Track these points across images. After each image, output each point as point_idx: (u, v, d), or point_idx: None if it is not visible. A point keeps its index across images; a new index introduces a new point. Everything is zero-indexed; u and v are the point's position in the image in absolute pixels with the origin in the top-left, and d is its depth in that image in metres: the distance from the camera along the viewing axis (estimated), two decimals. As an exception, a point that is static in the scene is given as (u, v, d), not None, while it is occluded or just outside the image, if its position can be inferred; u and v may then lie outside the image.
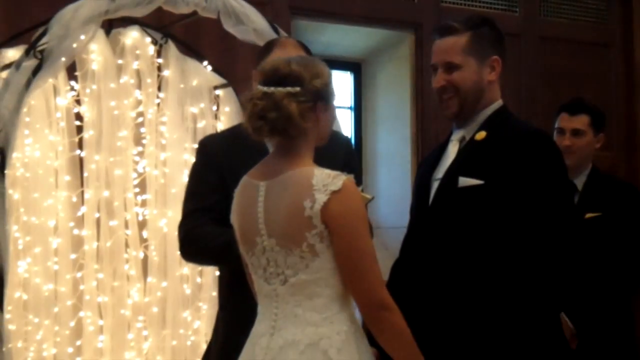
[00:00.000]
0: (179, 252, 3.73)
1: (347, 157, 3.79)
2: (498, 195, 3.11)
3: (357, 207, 2.84)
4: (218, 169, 3.63)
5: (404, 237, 3.60)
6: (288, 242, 2.85)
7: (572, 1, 8.09)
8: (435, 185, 3.35)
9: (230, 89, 5.22)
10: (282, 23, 5.89)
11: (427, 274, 3.25)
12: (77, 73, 4.87)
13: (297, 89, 2.86)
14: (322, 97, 2.92)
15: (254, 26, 5.00)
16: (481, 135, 3.28)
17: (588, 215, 4.57)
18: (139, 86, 5.03)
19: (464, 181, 3.18)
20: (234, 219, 3.07)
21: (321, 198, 2.79)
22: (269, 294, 2.94)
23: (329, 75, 2.97)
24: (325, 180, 2.81)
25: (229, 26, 4.95)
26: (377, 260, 2.85)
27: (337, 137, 3.92)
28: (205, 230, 3.56)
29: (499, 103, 3.40)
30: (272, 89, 2.87)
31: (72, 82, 4.87)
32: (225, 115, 5.17)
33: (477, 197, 3.14)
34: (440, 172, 3.34)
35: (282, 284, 2.89)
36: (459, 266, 3.15)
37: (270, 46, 3.78)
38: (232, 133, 3.85)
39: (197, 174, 3.73)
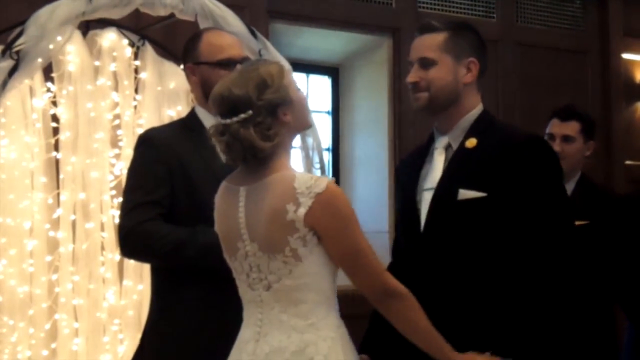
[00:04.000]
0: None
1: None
2: (502, 207, 3.07)
3: (344, 206, 2.83)
4: (165, 162, 3.58)
5: (394, 255, 3.57)
6: (270, 247, 2.83)
7: (549, 8, 8.13)
8: (425, 196, 3.27)
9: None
10: (260, 27, 5.89)
11: (432, 287, 3.17)
12: (53, 74, 4.85)
13: (249, 112, 2.83)
14: (279, 102, 2.88)
15: (231, 29, 4.98)
16: (472, 142, 3.22)
17: (576, 223, 4.59)
18: (116, 88, 5.02)
19: (465, 194, 3.11)
20: (215, 224, 3.06)
21: (306, 202, 2.77)
22: (253, 299, 2.93)
23: (278, 72, 2.91)
24: (308, 183, 2.79)
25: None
26: (373, 251, 2.86)
27: None
28: (154, 226, 3.50)
29: (480, 108, 3.35)
30: (227, 120, 2.85)
31: (49, 84, 4.84)
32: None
33: (479, 210, 3.09)
34: (430, 182, 3.27)
35: (266, 290, 2.88)
36: (465, 281, 3.11)
37: (196, 36, 3.81)
38: (177, 126, 3.83)
39: (143, 166, 3.64)
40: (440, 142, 3.32)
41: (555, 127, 4.75)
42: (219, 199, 3.05)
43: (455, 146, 3.27)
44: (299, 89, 2.99)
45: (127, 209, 3.58)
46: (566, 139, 4.71)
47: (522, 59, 7.88)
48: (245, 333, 2.95)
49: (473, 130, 3.27)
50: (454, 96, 3.29)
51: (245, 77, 2.88)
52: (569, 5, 8.27)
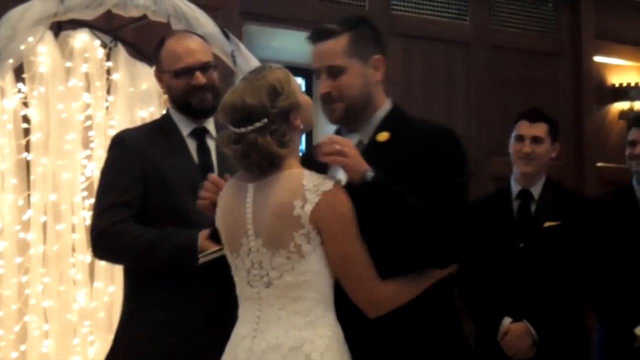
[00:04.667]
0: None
1: None
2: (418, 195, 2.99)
3: (345, 209, 2.87)
4: (138, 163, 3.59)
5: None
6: (274, 242, 2.87)
7: (521, 11, 8.17)
8: None
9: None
10: (233, 28, 5.89)
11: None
12: (24, 75, 4.82)
13: (265, 120, 2.87)
14: (291, 108, 2.93)
15: (204, 31, 4.99)
16: (384, 136, 3.14)
17: (547, 224, 4.64)
18: (88, 89, 4.99)
19: None
20: (218, 221, 3.09)
21: (313, 198, 2.83)
22: (252, 296, 2.95)
23: (285, 78, 2.96)
24: (316, 181, 2.85)
25: (182, 30, 4.93)
26: (368, 260, 2.89)
27: None
28: (126, 228, 3.51)
29: (389, 103, 3.26)
30: (242, 129, 2.88)
31: (20, 84, 4.81)
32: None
33: None
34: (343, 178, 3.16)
35: (266, 287, 2.91)
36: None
37: (161, 41, 3.79)
38: (151, 128, 3.84)
39: (116, 167, 3.65)
40: (352, 140, 3.17)
41: (524, 128, 4.81)
42: (224, 195, 3.08)
43: (366, 142, 3.20)
44: (302, 92, 3.03)
45: (100, 210, 3.60)
46: (535, 140, 4.77)
47: (494, 61, 7.91)
48: (241, 330, 2.97)
49: (384, 125, 3.19)
50: (367, 99, 3.19)
51: (256, 85, 2.92)
52: (542, 8, 8.30)
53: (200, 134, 3.75)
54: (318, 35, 3.20)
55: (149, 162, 3.59)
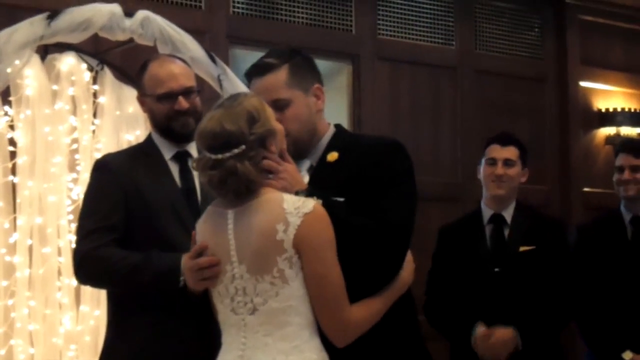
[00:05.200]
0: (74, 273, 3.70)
1: None
2: (358, 208, 3.02)
3: (325, 229, 2.87)
4: (120, 187, 3.60)
5: None
6: (258, 268, 2.86)
7: (507, 36, 8.20)
8: None
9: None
10: (220, 52, 5.91)
11: None
12: (11, 98, 4.82)
13: (242, 147, 2.88)
14: (267, 135, 2.93)
15: (190, 54, 5.01)
16: (333, 156, 3.18)
17: (522, 248, 4.66)
18: (74, 112, 5.00)
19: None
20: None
21: (295, 221, 2.82)
22: (236, 323, 2.94)
23: (260, 105, 2.96)
24: (296, 204, 2.85)
25: (165, 54, 4.94)
26: (342, 283, 2.88)
27: None
28: (109, 251, 3.51)
29: (332, 126, 3.31)
30: (219, 156, 2.88)
31: (6, 107, 4.82)
32: (161, 143, 5.15)
33: None
34: None
35: (251, 314, 2.90)
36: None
37: (144, 65, 3.81)
38: (134, 152, 3.85)
39: (98, 191, 3.66)
40: (302, 166, 3.23)
41: (496, 151, 4.87)
42: (203, 223, 3.08)
43: (315, 164, 3.23)
44: (275, 121, 3.03)
45: (82, 235, 3.61)
46: (507, 162, 4.84)
47: (480, 86, 7.93)
48: (227, 357, 2.95)
49: (332, 146, 3.22)
50: (313, 129, 3.23)
51: (233, 112, 2.92)
52: (528, 33, 8.34)
53: (182, 158, 3.76)
54: (258, 71, 3.22)
55: (131, 187, 3.61)
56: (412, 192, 3.14)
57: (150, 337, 3.52)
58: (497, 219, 4.82)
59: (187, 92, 3.72)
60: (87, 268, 3.57)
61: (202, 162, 2.93)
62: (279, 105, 3.15)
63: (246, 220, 2.90)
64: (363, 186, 3.04)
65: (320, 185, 3.08)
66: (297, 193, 2.92)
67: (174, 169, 3.73)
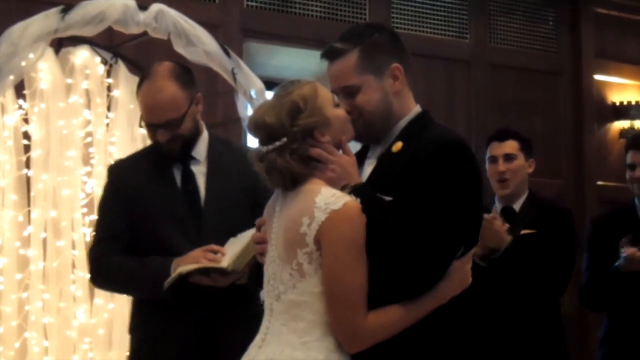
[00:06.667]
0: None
1: (257, 176, 3.75)
2: (409, 210, 2.84)
3: (352, 229, 2.77)
4: (122, 194, 3.69)
5: None
6: (284, 256, 2.84)
7: (521, 29, 8.18)
8: None
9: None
10: (234, 46, 5.90)
11: None
12: (25, 91, 4.83)
13: (284, 140, 2.83)
14: (314, 126, 2.87)
15: (204, 48, 5.00)
16: (397, 146, 3.02)
17: (523, 231, 4.66)
18: (88, 106, 5.00)
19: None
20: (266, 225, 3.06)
21: (320, 217, 2.75)
22: (268, 306, 2.94)
23: (312, 94, 2.88)
24: (329, 199, 2.77)
25: (179, 47, 4.95)
26: (362, 289, 2.78)
27: (246, 154, 3.91)
28: (112, 260, 3.65)
29: (415, 111, 3.12)
30: (264, 148, 2.86)
31: (20, 101, 4.82)
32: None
33: (393, 214, 2.86)
34: None
35: (277, 300, 2.88)
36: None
37: (142, 79, 3.75)
38: (142, 155, 3.91)
39: (104, 201, 3.81)
40: (374, 152, 3.12)
41: (495, 148, 4.86)
42: (270, 203, 3.05)
43: (383, 152, 3.10)
44: (336, 104, 2.96)
45: (93, 243, 3.82)
46: (507, 157, 4.82)
47: (494, 79, 7.92)
48: (257, 337, 2.96)
49: (402, 134, 3.06)
50: (387, 112, 3.06)
51: (279, 103, 2.88)
52: (542, 27, 8.32)
53: (186, 161, 3.76)
54: (329, 56, 3.11)
55: (133, 193, 3.68)
56: (469, 198, 2.93)
57: (154, 338, 3.65)
58: (507, 211, 4.81)
59: (167, 125, 3.65)
60: (97, 276, 3.78)
61: (255, 154, 2.92)
62: (349, 92, 3.04)
63: (287, 207, 2.88)
64: (414, 185, 2.87)
65: (380, 177, 2.98)
66: (342, 188, 2.84)
67: (177, 171, 3.75)
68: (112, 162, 4.05)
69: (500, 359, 4.60)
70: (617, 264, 4.88)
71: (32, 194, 4.84)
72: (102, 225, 3.74)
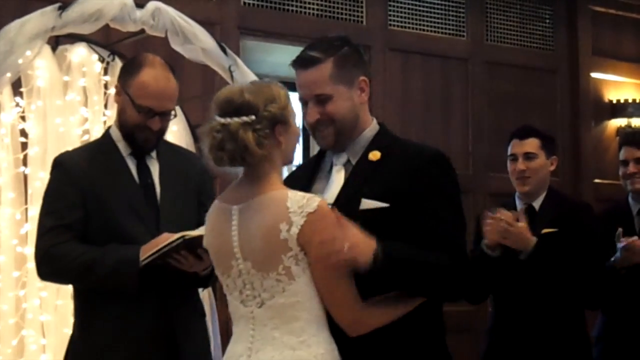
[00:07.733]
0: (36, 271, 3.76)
1: (201, 178, 3.81)
2: (402, 220, 2.99)
3: (329, 229, 2.83)
4: (77, 185, 3.62)
5: None
6: (264, 265, 2.86)
7: (518, 27, 8.20)
8: None
9: (177, 108, 5.19)
10: (231, 43, 5.91)
11: None
12: (22, 89, 4.82)
13: (252, 117, 2.88)
14: (280, 120, 2.92)
15: (201, 45, 5.01)
16: (375, 155, 3.13)
17: (544, 230, 4.63)
18: (85, 103, 4.99)
19: (367, 203, 3.02)
20: (207, 242, 3.09)
21: (298, 221, 2.81)
22: (245, 315, 2.95)
23: (286, 97, 2.97)
24: (300, 202, 2.83)
25: (176, 45, 4.96)
26: (351, 282, 2.88)
27: (190, 157, 3.97)
28: (67, 248, 3.56)
29: (375, 123, 3.26)
30: (228, 120, 2.88)
31: (17, 98, 4.82)
32: (173, 134, 5.14)
33: (380, 220, 2.99)
34: (329, 198, 3.11)
35: (259, 307, 2.91)
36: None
37: (139, 64, 3.73)
38: (91, 148, 3.88)
39: (55, 190, 3.69)
40: (339, 159, 3.20)
41: (516, 146, 4.82)
42: (210, 217, 3.07)
43: (354, 161, 3.18)
44: (296, 124, 3.03)
45: (41, 233, 3.65)
46: (528, 156, 4.77)
47: (491, 77, 7.93)
48: (236, 348, 2.96)
49: (374, 144, 3.18)
50: (355, 121, 3.18)
51: (258, 88, 2.95)
52: (539, 25, 8.33)
53: (140, 154, 3.75)
54: (303, 63, 3.16)
55: (87, 184, 3.63)
56: (461, 207, 3.13)
57: (110, 328, 3.59)
58: (527, 210, 4.78)
59: (164, 114, 3.70)
60: (46, 265, 3.63)
61: (210, 126, 2.92)
62: (321, 100, 3.12)
63: (250, 218, 2.90)
64: (408, 196, 3.02)
65: (363, 183, 3.07)
66: (374, 259, 2.86)
67: (132, 164, 3.73)
68: (59, 154, 3.92)
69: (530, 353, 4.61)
70: (612, 260, 4.87)
71: (29, 191, 4.83)
72: (52, 214, 3.62)
